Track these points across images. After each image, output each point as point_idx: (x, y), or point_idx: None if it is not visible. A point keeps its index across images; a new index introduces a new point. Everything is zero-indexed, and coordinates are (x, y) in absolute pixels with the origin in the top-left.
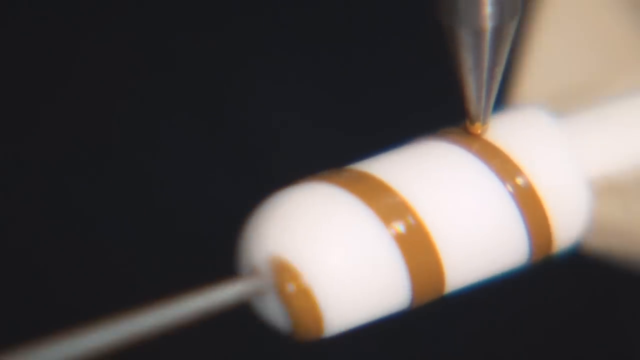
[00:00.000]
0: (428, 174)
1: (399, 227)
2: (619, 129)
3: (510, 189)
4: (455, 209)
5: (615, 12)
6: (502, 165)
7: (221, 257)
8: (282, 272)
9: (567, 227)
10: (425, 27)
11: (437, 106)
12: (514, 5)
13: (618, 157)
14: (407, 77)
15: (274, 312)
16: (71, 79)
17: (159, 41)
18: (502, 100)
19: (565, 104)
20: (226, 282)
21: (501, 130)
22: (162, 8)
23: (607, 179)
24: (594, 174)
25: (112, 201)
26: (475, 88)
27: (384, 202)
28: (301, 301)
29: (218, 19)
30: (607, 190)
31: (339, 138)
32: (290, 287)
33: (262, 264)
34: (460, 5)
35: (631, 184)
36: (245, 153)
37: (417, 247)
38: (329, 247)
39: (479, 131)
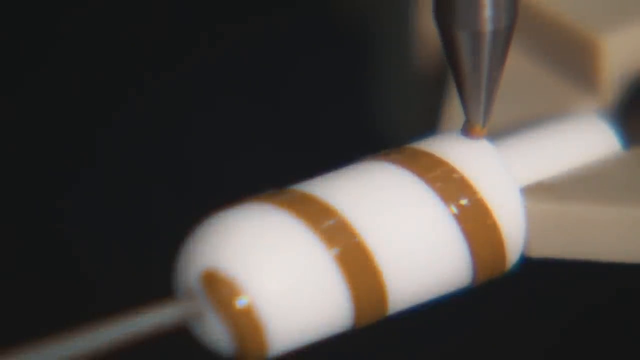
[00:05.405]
0: (369, 195)
1: (340, 247)
2: (544, 146)
3: (454, 209)
4: (397, 230)
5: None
6: (445, 185)
7: (162, 283)
8: (219, 288)
9: (514, 242)
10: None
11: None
12: (513, 8)
13: (545, 169)
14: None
15: (213, 333)
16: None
17: None
18: (432, 126)
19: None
20: (157, 306)
21: (441, 150)
22: None
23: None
24: (525, 184)
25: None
26: (474, 91)
27: (325, 223)
28: (244, 317)
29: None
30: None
31: (279, 158)
32: (233, 303)
33: (195, 283)
34: (458, 8)
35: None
36: (184, 174)
37: (358, 268)
38: (267, 263)
39: (479, 134)
